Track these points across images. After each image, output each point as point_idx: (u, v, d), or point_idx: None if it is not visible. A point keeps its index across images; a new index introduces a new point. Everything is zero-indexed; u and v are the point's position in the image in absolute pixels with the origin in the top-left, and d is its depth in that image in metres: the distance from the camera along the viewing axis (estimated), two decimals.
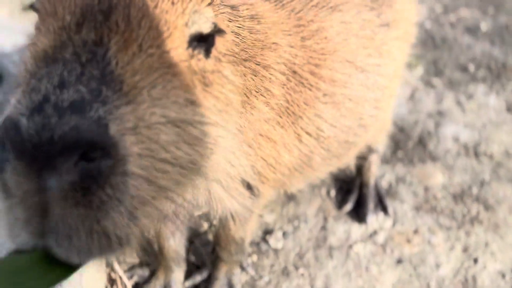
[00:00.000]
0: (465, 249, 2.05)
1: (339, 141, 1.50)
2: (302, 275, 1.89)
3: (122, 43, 0.75)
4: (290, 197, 2.22)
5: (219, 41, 0.99)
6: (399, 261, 1.98)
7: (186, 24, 0.87)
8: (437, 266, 1.98)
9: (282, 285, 1.85)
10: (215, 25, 0.95)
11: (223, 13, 1.05)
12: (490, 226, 2.17)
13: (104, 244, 0.68)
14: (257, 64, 1.21)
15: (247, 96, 1.18)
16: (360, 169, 2.27)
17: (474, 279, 1.94)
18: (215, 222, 1.82)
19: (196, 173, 0.89)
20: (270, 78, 1.25)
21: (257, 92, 1.22)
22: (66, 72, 0.67)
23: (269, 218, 2.10)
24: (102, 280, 1.55)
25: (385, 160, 2.49)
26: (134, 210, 0.69)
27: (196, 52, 0.90)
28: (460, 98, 3.09)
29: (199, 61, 0.90)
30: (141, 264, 1.82)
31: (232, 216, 1.46)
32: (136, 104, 0.70)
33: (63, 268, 0.69)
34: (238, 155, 1.25)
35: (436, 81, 3.26)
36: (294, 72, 1.30)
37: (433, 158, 2.55)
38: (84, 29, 0.75)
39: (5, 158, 0.62)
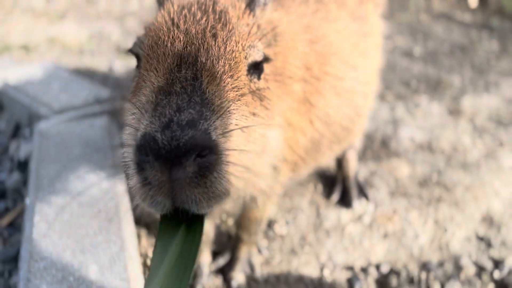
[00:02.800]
0: (436, 222, 2.44)
1: (342, 127, 1.85)
2: (308, 253, 2.17)
3: (210, 77, 1.06)
4: (284, 193, 2.51)
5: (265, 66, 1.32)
6: (385, 236, 2.32)
7: (246, 57, 1.20)
8: (416, 237, 2.34)
9: (292, 261, 2.11)
10: (264, 54, 1.28)
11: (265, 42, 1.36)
12: (452, 204, 2.58)
13: (216, 198, 0.99)
14: (283, 68, 1.53)
15: (278, 94, 1.50)
16: (340, 164, 2.62)
17: (447, 244, 2.32)
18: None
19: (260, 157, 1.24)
20: (293, 76, 1.58)
21: (283, 89, 1.54)
22: (180, 101, 0.97)
23: (271, 211, 2.37)
24: (140, 267, 1.72)
25: (358, 159, 2.87)
26: (228, 178, 1.00)
27: (252, 77, 1.23)
28: (409, 107, 3.61)
29: (255, 83, 1.24)
30: None
31: (259, 195, 1.72)
32: (222, 118, 1.01)
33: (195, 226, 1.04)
34: (274, 141, 1.55)
35: (387, 94, 3.76)
36: (307, 68, 1.64)
37: (397, 155, 2.98)
38: (183, 69, 1.06)
39: (144, 160, 0.91)
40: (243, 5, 1.33)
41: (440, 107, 3.63)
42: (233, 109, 1.07)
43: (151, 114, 0.96)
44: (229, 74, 1.10)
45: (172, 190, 0.92)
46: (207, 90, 1.02)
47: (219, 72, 1.08)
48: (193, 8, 1.20)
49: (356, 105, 1.91)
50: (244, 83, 1.16)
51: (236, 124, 1.06)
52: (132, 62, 4.03)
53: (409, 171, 2.83)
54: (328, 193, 2.58)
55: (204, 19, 1.16)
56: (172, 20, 1.17)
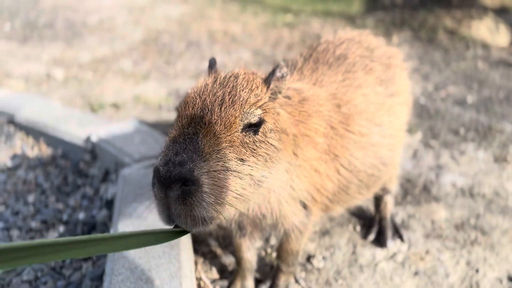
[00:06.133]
0: (468, 263, 2.60)
1: (368, 174, 2.17)
2: (341, 284, 2.45)
3: (205, 134, 1.46)
4: (325, 232, 2.82)
5: (268, 122, 1.68)
6: (416, 273, 2.53)
7: (241, 120, 1.60)
8: (447, 275, 2.52)
9: None
10: (260, 118, 1.64)
11: (275, 105, 1.75)
12: (487, 246, 2.73)
13: (195, 222, 1.37)
14: (306, 126, 1.93)
15: (298, 146, 1.87)
16: (378, 207, 2.90)
17: (477, 284, 2.47)
18: (273, 243, 2.41)
19: (239, 196, 1.55)
20: (316, 132, 1.96)
21: (307, 142, 1.92)
22: (179, 148, 1.38)
23: (311, 247, 2.70)
24: (192, 284, 2.12)
25: (397, 203, 3.12)
26: (206, 207, 1.36)
27: (247, 133, 1.61)
28: (454, 154, 3.78)
29: (250, 137, 1.57)
30: (221, 278, 2.41)
31: (293, 230, 2.07)
32: (208, 161, 1.39)
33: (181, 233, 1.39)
34: (298, 182, 1.92)
35: (434, 142, 3.97)
36: (332, 127, 2.02)
37: (437, 199, 3.17)
38: (190, 127, 1.50)
39: (154, 182, 1.35)
40: (260, 80, 1.75)
41: (486, 154, 3.76)
42: (220, 156, 1.45)
43: (162, 154, 1.42)
44: (223, 131, 1.51)
45: (167, 205, 1.35)
46: (201, 142, 1.43)
47: (214, 130, 1.49)
48: (217, 82, 1.66)
49: (382, 155, 2.22)
50: (237, 137, 1.54)
51: (222, 166, 1.44)
52: None
53: (446, 214, 3.02)
54: (366, 234, 2.85)
55: (220, 91, 1.61)
56: (199, 91, 1.64)
